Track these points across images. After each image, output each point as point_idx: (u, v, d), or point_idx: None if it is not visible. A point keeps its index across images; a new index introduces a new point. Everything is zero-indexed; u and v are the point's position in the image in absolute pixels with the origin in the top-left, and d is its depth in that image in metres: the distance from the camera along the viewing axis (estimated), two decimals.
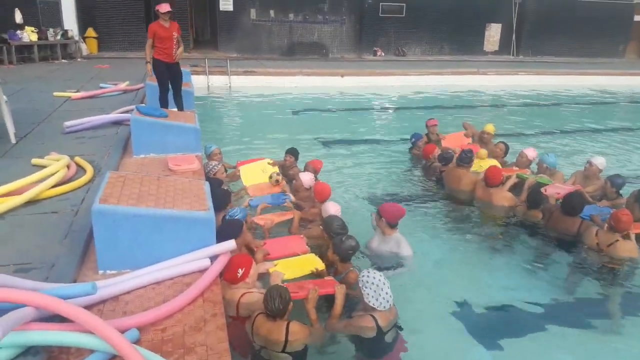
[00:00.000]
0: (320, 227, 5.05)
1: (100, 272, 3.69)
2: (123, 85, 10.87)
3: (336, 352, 3.94)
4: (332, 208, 5.14)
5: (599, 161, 6.73)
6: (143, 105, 7.96)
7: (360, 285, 3.71)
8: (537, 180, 6.55)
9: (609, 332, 4.55)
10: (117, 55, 17.53)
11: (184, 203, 3.91)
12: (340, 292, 3.91)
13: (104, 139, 6.95)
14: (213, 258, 3.86)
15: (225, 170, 6.48)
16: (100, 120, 7.64)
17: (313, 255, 4.60)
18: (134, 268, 3.69)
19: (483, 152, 7.39)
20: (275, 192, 6.17)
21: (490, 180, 6.35)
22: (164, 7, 7.80)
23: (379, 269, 4.67)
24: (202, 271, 3.72)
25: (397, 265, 4.92)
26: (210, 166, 6.14)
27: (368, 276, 3.70)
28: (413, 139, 8.79)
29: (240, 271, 3.79)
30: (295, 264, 4.41)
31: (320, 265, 4.39)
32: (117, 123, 7.74)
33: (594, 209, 5.86)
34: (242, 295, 3.78)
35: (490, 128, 8.35)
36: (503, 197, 6.28)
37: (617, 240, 5.03)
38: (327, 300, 4.02)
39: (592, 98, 16.75)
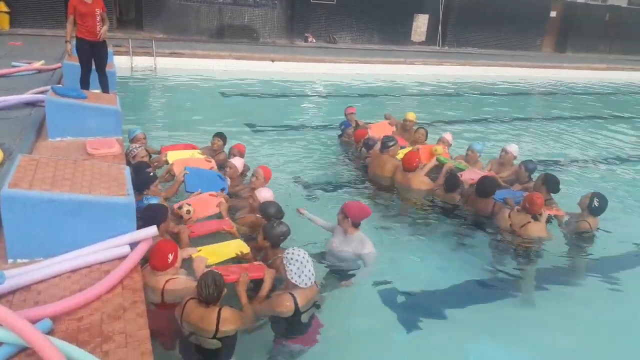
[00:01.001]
0: (255, 214, 5.06)
1: (10, 260, 3.51)
2: (38, 64, 10.21)
3: (259, 334, 3.95)
4: (267, 193, 5.14)
5: (513, 148, 7.16)
6: (60, 85, 7.57)
7: (284, 262, 3.75)
8: (455, 165, 6.88)
9: (524, 306, 4.92)
10: (31, 32, 16.35)
11: (102, 188, 3.78)
12: (269, 275, 3.95)
13: (16, 121, 6.53)
14: (133, 245, 3.76)
15: (150, 156, 6.26)
16: (11, 100, 7.15)
17: (238, 240, 4.57)
18: (47, 256, 3.53)
19: (439, 148, 7.22)
20: (207, 168, 6.02)
21: (406, 164, 6.59)
22: None
23: (341, 270, 4.78)
24: (121, 258, 3.62)
25: (359, 265, 4.85)
26: (130, 148, 5.90)
27: (293, 253, 3.75)
28: (343, 127, 8.92)
29: (171, 256, 3.71)
30: (219, 249, 4.36)
31: (245, 248, 4.36)
32: (30, 104, 7.28)
33: (508, 192, 6.24)
34: (167, 282, 3.71)
35: (411, 116, 8.61)
36: (420, 182, 6.54)
37: (529, 222, 5.41)
38: (256, 285, 4.02)
39: (511, 89, 17.65)
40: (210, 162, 6.16)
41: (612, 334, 4.56)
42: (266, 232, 4.38)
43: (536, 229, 5.44)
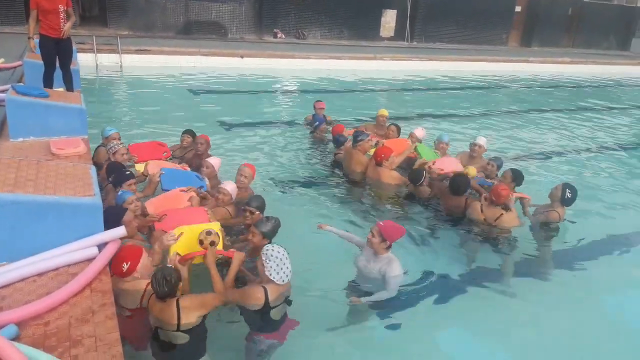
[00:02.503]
0: (224, 208, 5.07)
1: None
2: None
3: (231, 329, 3.96)
4: (230, 185, 5.18)
5: (483, 141, 7.29)
6: (21, 84, 7.35)
7: (263, 258, 3.72)
8: (432, 159, 6.93)
9: (500, 297, 4.99)
10: None
11: (67, 188, 3.69)
12: (237, 258, 3.97)
13: None
14: (101, 247, 3.68)
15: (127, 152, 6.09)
16: None
17: (217, 223, 4.48)
18: (11, 260, 3.42)
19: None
20: (182, 169, 5.94)
21: (375, 157, 6.65)
22: None
23: (363, 288, 4.56)
24: (89, 260, 3.54)
25: (381, 287, 4.44)
26: (110, 145, 5.76)
27: (273, 250, 3.73)
28: (316, 123, 8.91)
29: (125, 265, 3.55)
30: (193, 235, 4.14)
31: (221, 232, 4.30)
32: None
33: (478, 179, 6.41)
34: (147, 286, 3.58)
35: (384, 112, 8.68)
36: (390, 176, 6.62)
37: (502, 214, 5.57)
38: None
39: (479, 83, 17.93)
40: (185, 168, 6.04)
41: (584, 321, 4.68)
42: (263, 229, 4.28)
43: (510, 220, 5.62)
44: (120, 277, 3.60)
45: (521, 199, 6.13)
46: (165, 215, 4.58)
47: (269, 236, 4.31)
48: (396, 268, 4.40)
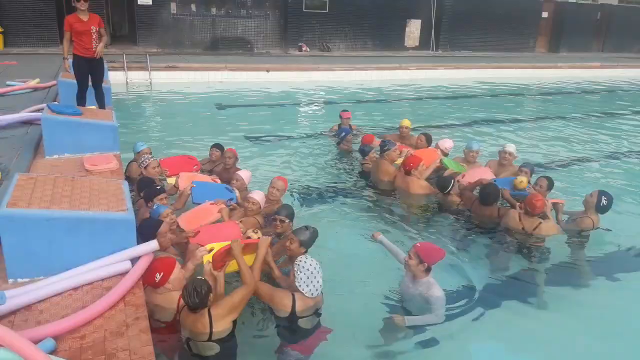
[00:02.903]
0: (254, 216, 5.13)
1: (10, 280, 3.48)
2: (33, 83, 10.21)
3: (260, 339, 3.97)
4: (258, 195, 5.25)
5: (512, 149, 7.15)
6: (55, 103, 7.56)
7: (295, 268, 3.75)
8: (458, 170, 6.86)
9: (535, 308, 4.85)
10: (25, 51, 16.39)
11: (101, 204, 3.76)
12: (263, 242, 4.10)
13: (13, 140, 6.50)
14: (135, 260, 3.73)
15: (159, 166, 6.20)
16: (8, 119, 7.13)
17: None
18: (48, 274, 3.50)
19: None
20: (215, 182, 6.01)
21: (404, 165, 6.59)
22: None
23: (407, 308, 4.48)
24: (122, 274, 3.59)
25: (425, 309, 4.29)
26: (142, 159, 5.90)
27: (305, 262, 3.75)
28: (342, 134, 8.91)
29: (158, 276, 3.62)
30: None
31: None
32: (27, 123, 7.26)
33: (500, 181, 6.34)
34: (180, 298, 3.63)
35: (406, 122, 8.57)
36: (419, 186, 6.54)
37: (540, 223, 5.44)
38: None
39: (506, 90, 17.67)
40: (216, 181, 6.10)
41: (619, 333, 4.53)
42: (301, 238, 4.28)
43: (548, 228, 5.50)
44: (153, 287, 3.66)
45: (554, 204, 6.00)
46: (199, 231, 4.64)
47: (306, 245, 4.31)
48: (437, 290, 4.23)
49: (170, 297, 3.67)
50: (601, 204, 5.63)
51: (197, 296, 3.33)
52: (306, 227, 4.40)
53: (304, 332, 3.79)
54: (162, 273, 3.63)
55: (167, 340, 3.69)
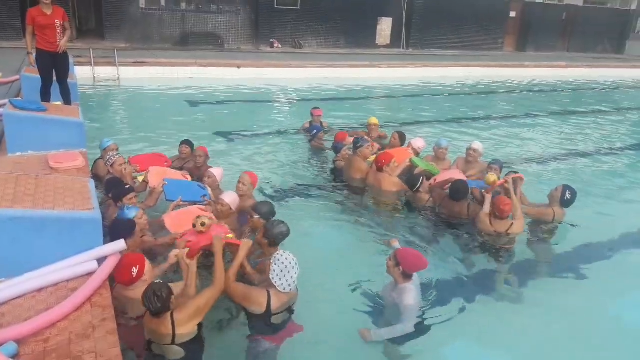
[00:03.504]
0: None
1: None
2: None
3: (230, 332, 3.98)
4: (229, 197, 5.13)
5: (479, 146, 7.27)
6: (18, 98, 7.35)
7: (271, 261, 3.75)
8: (428, 170, 6.92)
9: (501, 304, 4.93)
10: None
11: (66, 203, 3.67)
12: (244, 246, 4.00)
13: None
14: (101, 261, 3.65)
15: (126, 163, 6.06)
16: None
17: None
18: (10, 276, 3.39)
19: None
20: (185, 178, 5.90)
21: (376, 162, 6.63)
22: None
23: (382, 316, 4.39)
24: (89, 275, 3.51)
25: (396, 317, 4.18)
26: (108, 157, 5.77)
27: (282, 255, 3.76)
28: (314, 131, 8.90)
29: (135, 270, 3.59)
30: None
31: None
32: None
33: (473, 182, 6.40)
34: None
35: (373, 120, 8.64)
36: (391, 183, 6.57)
37: (512, 224, 5.50)
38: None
39: (475, 88, 17.97)
40: (186, 177, 6.00)
41: (581, 324, 4.66)
42: (267, 230, 4.34)
43: (520, 226, 5.58)
44: (130, 283, 3.60)
45: (514, 180, 5.87)
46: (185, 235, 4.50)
47: (265, 216, 4.54)
48: (409, 298, 4.13)
49: (140, 292, 3.60)
50: (565, 198, 5.78)
51: (159, 300, 3.23)
52: (274, 223, 4.40)
53: (275, 326, 3.80)
54: (137, 266, 3.60)
55: (139, 337, 3.60)
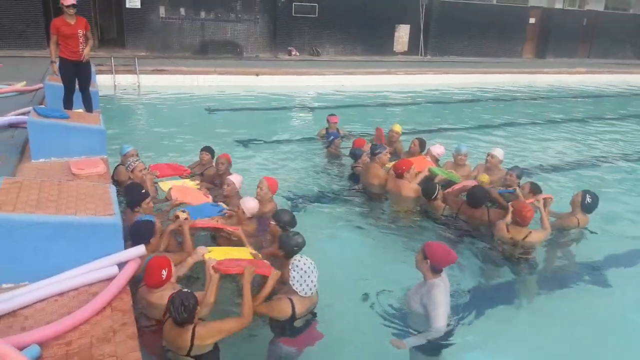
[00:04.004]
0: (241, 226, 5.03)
1: None
2: (19, 86, 10.12)
3: (252, 336, 3.96)
4: (249, 203, 5.12)
5: (499, 153, 7.20)
6: (42, 106, 7.49)
7: (290, 267, 3.76)
8: (448, 177, 6.88)
9: (522, 312, 4.87)
10: (11, 54, 16.22)
11: (87, 208, 3.72)
12: (273, 277, 3.94)
13: None
14: (121, 265, 3.69)
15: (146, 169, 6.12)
16: None
17: (247, 247, 4.57)
18: (33, 280, 3.45)
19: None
20: (207, 202, 5.88)
21: (395, 169, 6.59)
22: (67, 0, 7.29)
23: (408, 322, 4.26)
24: (109, 279, 3.55)
25: (422, 319, 4.04)
26: (129, 162, 5.82)
27: (300, 261, 3.77)
28: (331, 137, 8.92)
29: (164, 272, 3.64)
30: (230, 252, 4.33)
31: (256, 255, 4.36)
32: (12, 126, 7.18)
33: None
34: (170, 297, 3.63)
35: (397, 128, 8.63)
36: (411, 189, 6.54)
37: (530, 232, 5.39)
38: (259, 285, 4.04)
39: (494, 95, 17.82)
40: (208, 198, 5.89)
41: (604, 332, 4.57)
42: (282, 241, 4.36)
43: (538, 236, 5.46)
44: (159, 286, 3.64)
45: (545, 200, 5.86)
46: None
47: (285, 224, 4.56)
48: (438, 293, 3.95)
49: (164, 296, 3.63)
50: (585, 202, 5.72)
51: (185, 311, 3.23)
52: (289, 234, 4.41)
53: (296, 329, 3.81)
54: (166, 269, 3.65)
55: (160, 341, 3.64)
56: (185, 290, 3.43)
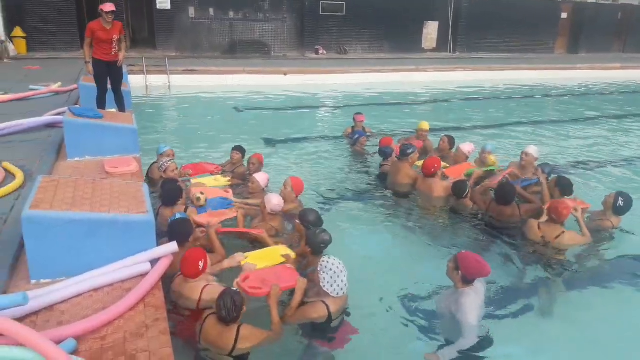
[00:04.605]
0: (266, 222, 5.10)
1: (33, 281, 3.53)
2: (55, 87, 10.39)
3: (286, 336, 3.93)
4: (275, 199, 5.16)
5: (533, 150, 7.07)
6: (77, 106, 7.67)
7: (318, 269, 3.77)
8: (483, 170, 6.82)
9: (551, 315, 4.73)
10: (48, 56, 16.69)
11: (121, 206, 3.79)
12: (301, 286, 3.93)
13: (35, 143, 6.62)
14: (154, 262, 3.76)
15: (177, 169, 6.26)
16: (30, 123, 7.25)
17: (284, 246, 4.65)
18: (69, 276, 3.54)
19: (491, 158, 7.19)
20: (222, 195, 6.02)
21: (424, 169, 6.54)
22: (108, 7, 7.47)
23: (439, 331, 4.17)
24: (142, 275, 3.62)
25: (453, 327, 3.96)
26: (162, 162, 5.96)
27: (328, 262, 3.77)
28: (356, 136, 8.90)
29: (201, 263, 3.78)
30: (266, 255, 4.43)
31: (292, 254, 4.43)
32: (49, 126, 7.38)
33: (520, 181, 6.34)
34: (204, 289, 3.77)
35: (424, 125, 8.55)
36: (442, 188, 6.46)
37: (563, 232, 5.26)
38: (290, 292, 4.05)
39: (525, 92, 17.48)
40: (227, 192, 6.00)
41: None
42: (309, 239, 4.42)
43: (571, 238, 5.32)
44: (196, 276, 3.77)
45: (583, 210, 5.68)
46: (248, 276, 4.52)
47: (313, 248, 4.40)
48: (466, 304, 3.86)
49: (196, 288, 3.79)
50: (617, 205, 5.56)
51: (235, 310, 3.34)
52: (316, 232, 4.45)
53: (332, 330, 3.82)
54: (203, 260, 3.78)
55: (191, 328, 3.75)
56: (234, 288, 3.50)
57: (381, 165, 7.68)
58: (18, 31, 16.93)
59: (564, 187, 5.99)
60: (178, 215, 4.58)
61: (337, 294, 3.73)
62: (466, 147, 7.49)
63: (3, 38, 16.17)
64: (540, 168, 6.57)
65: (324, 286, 3.72)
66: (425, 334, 4.23)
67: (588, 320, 4.65)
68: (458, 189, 6.18)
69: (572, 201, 5.65)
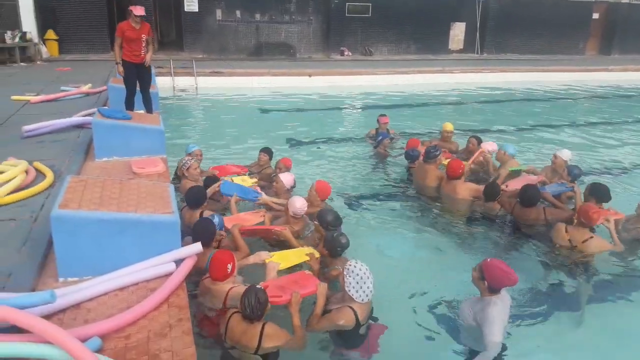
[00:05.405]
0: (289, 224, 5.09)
1: (61, 279, 3.58)
2: (85, 88, 10.61)
3: (311, 343, 3.90)
4: (298, 202, 5.15)
5: (564, 154, 6.92)
6: (105, 107, 7.80)
7: (344, 273, 3.72)
8: (509, 170, 6.71)
9: (578, 323, 4.59)
10: (78, 58, 17.07)
11: (147, 206, 3.83)
12: (322, 291, 3.87)
13: (65, 143, 6.75)
14: (178, 262, 3.79)
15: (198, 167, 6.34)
16: (61, 123, 7.42)
17: (309, 247, 4.65)
18: (96, 274, 3.59)
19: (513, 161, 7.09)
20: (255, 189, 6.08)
21: (450, 172, 6.45)
22: (139, 11, 7.65)
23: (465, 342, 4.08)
24: (167, 275, 3.65)
25: (477, 336, 3.86)
26: (183, 161, 6.03)
27: (355, 266, 3.72)
28: (380, 137, 8.85)
29: (230, 266, 3.80)
30: (290, 255, 4.44)
31: (316, 253, 4.42)
32: (78, 126, 7.53)
33: (550, 187, 6.16)
34: (230, 290, 3.78)
35: (448, 126, 8.47)
36: (467, 189, 6.38)
37: (591, 237, 5.11)
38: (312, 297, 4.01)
39: (555, 94, 17.13)
40: (256, 188, 6.06)
41: None
42: (326, 241, 4.42)
43: (600, 244, 5.15)
44: (225, 279, 3.79)
45: (616, 221, 5.46)
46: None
47: (330, 250, 4.40)
48: (491, 313, 3.72)
49: (224, 287, 3.82)
50: None
51: (260, 308, 3.35)
52: (333, 235, 4.46)
53: (360, 336, 3.78)
54: (231, 263, 3.81)
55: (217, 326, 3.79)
56: (258, 286, 3.50)
57: (408, 168, 7.61)
58: (51, 34, 17.36)
59: (600, 194, 5.65)
60: (217, 219, 4.59)
61: (362, 300, 3.67)
62: (488, 145, 7.41)
63: (36, 40, 16.60)
64: (567, 168, 6.42)
65: (349, 290, 3.66)
66: (447, 343, 4.16)
67: (615, 330, 4.51)
68: (490, 192, 6.07)
69: (605, 211, 5.42)
